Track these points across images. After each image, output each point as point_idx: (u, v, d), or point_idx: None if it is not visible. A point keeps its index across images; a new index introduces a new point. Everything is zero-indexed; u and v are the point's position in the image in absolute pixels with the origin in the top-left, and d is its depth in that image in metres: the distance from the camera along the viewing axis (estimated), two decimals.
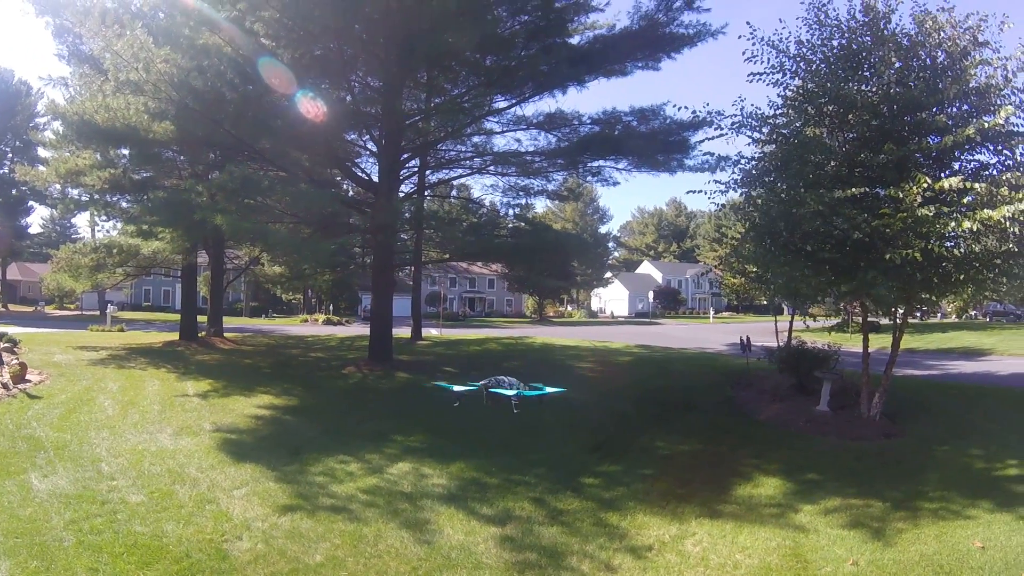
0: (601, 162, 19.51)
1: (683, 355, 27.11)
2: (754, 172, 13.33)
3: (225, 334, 27.00)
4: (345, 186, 26.53)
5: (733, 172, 13.61)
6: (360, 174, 21.01)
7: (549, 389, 15.23)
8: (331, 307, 60.35)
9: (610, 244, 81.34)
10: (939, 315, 56.52)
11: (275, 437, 11.15)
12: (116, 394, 14.28)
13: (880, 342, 16.43)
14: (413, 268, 30.73)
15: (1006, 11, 11.01)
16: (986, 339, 32.63)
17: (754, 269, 17.62)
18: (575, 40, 18.86)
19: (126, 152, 18.98)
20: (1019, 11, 10.09)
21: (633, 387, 17.70)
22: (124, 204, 20.84)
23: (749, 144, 14.13)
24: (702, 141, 16.91)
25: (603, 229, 75.83)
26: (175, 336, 25.94)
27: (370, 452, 10.41)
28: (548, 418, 13.57)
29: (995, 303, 42.29)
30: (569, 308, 77.88)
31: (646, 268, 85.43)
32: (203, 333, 26.07)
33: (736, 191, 13.81)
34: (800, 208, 11.72)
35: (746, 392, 16.96)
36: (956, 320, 43.18)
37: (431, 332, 37.21)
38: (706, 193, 13.75)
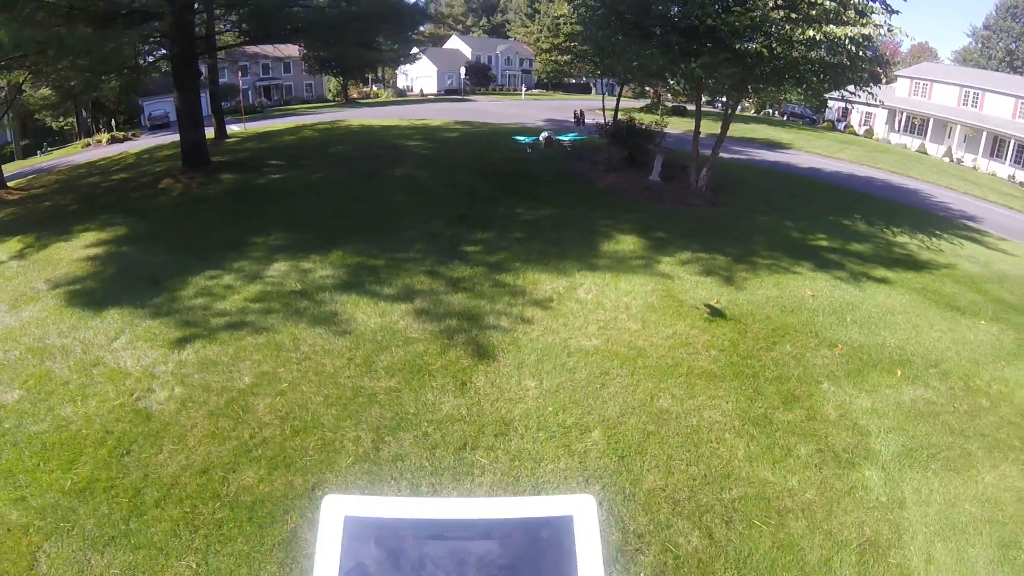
0: None
1: (508, 130, 27.48)
2: None
3: (8, 183, 22.02)
4: None
5: None
6: None
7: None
8: (112, 123, 50.61)
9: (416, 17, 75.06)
10: (739, 108, 62.22)
11: (123, 273, 9.52)
12: None
13: (689, 125, 17.96)
14: (208, 57, 26.35)
15: None
16: (784, 135, 36.98)
17: (584, 47, 17.77)
18: None
19: None
20: None
21: (472, 161, 17.83)
22: None
23: None
24: None
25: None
26: None
27: (236, 261, 9.36)
28: (401, 198, 13.40)
29: (792, 105, 47.09)
30: (375, 88, 73.18)
31: (455, 43, 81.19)
32: None
33: None
34: None
35: (580, 163, 17.98)
36: (754, 115, 47.68)
37: (233, 128, 33.50)
38: None
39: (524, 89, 69.25)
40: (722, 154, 15.94)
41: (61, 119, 50.05)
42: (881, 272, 10.59)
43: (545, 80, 69.48)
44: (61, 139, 56.23)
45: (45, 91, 26.21)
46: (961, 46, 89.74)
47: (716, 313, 7.71)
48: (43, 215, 15.61)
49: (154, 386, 6.00)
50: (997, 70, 60.39)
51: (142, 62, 22.09)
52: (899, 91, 47.23)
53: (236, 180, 16.19)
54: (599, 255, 9.70)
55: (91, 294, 8.70)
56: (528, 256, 9.40)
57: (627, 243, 10.39)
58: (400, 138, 24.33)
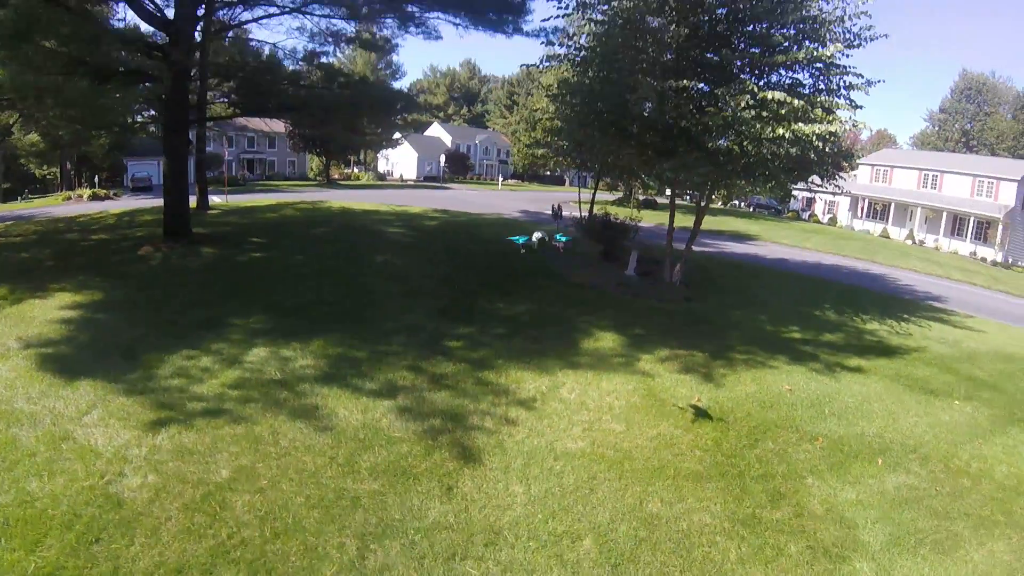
0: (439, 13, 18.17)
1: (485, 220, 28.19)
2: (591, 54, 13.85)
3: None
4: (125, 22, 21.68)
5: (568, 48, 14.09)
6: (150, 8, 17.23)
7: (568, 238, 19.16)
8: (96, 179, 50.86)
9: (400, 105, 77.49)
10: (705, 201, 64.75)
11: (97, 341, 9.30)
12: None
13: (661, 219, 18.64)
14: (197, 125, 26.97)
15: None
16: (752, 226, 38.47)
17: (562, 143, 18.64)
18: None
19: None
20: None
21: (451, 252, 18.16)
22: None
23: (586, 24, 14.52)
24: (547, 19, 16.58)
25: (396, 85, 72.27)
26: None
27: (214, 342, 9.16)
28: (382, 286, 13.51)
29: (757, 196, 48.94)
30: (356, 170, 74.70)
31: (436, 131, 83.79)
32: None
33: (570, 69, 14.40)
34: (634, 93, 12.60)
35: (557, 258, 18.40)
36: (721, 206, 49.44)
37: (215, 199, 33.82)
38: (539, 65, 14.18)
39: (501, 179, 71.15)
40: (693, 247, 16.60)
41: (45, 167, 49.57)
42: (854, 361, 10.91)
43: (521, 171, 71.97)
44: (43, 188, 55.72)
45: (34, 136, 26.24)
46: (919, 130, 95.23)
47: (702, 414, 7.81)
48: (19, 267, 15.18)
49: (126, 470, 5.80)
50: (954, 151, 63.73)
51: (131, 121, 22.18)
52: (861, 178, 49.50)
53: (217, 255, 16.09)
54: (580, 352, 9.82)
55: (63, 360, 8.45)
56: (510, 353, 9.48)
57: (606, 340, 10.56)
58: (381, 223, 24.69)
